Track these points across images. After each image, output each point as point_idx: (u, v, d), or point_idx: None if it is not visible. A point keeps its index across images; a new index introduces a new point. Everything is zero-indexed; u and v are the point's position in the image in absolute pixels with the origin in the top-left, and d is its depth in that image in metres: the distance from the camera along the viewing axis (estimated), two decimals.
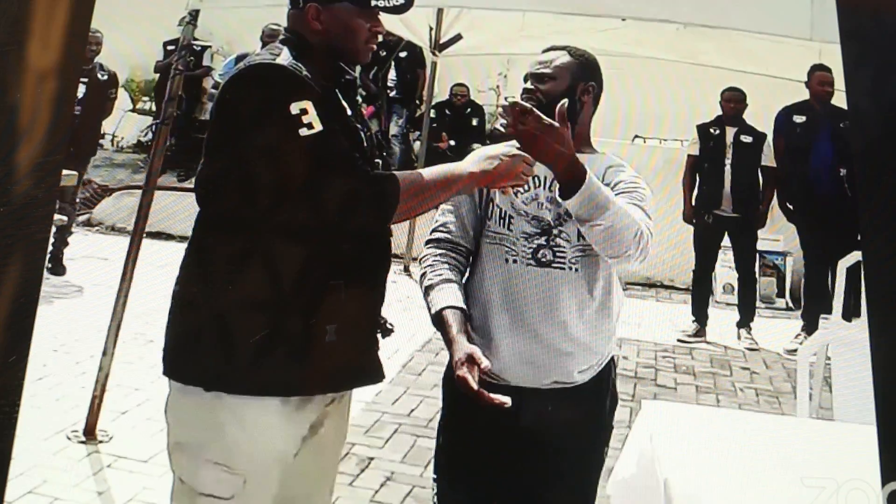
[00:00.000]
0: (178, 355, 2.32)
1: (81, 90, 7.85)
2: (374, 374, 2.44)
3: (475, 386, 2.37)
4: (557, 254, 2.58)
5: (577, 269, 2.59)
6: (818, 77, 7.34)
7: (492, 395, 2.35)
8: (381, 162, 2.45)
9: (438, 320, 2.57)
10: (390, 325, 2.49)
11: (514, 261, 2.60)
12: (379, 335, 2.47)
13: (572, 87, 2.66)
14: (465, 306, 2.59)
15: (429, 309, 2.61)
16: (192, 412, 2.29)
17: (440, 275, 2.63)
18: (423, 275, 2.66)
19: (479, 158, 2.36)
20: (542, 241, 2.59)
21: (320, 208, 2.19)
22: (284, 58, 2.27)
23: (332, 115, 2.24)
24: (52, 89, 1.27)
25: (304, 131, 2.14)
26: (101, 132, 12.56)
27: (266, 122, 2.19)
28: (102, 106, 8.29)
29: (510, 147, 2.38)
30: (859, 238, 1.47)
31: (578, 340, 2.58)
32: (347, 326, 2.29)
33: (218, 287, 2.26)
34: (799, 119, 7.51)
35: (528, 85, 2.64)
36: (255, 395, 2.24)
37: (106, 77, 8.17)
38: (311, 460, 2.41)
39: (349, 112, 2.35)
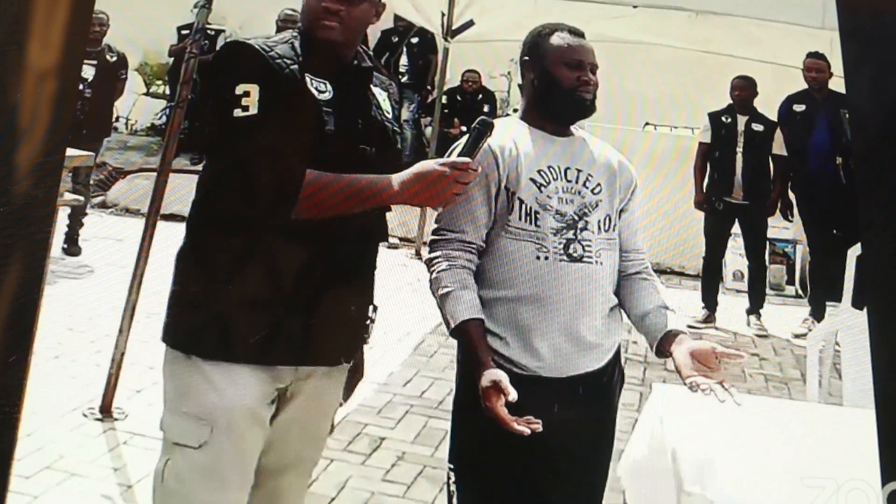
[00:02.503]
0: (167, 322, 2.42)
1: (91, 72, 7.89)
2: (338, 356, 2.49)
3: (508, 420, 2.33)
4: (586, 247, 2.55)
5: (601, 263, 2.58)
6: (806, 64, 7.36)
7: (523, 427, 2.32)
8: (372, 149, 2.43)
9: (461, 332, 2.49)
10: (371, 317, 2.53)
11: (546, 257, 2.53)
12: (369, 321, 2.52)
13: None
14: (483, 316, 2.52)
15: (445, 317, 2.52)
16: (174, 371, 2.39)
17: (456, 281, 2.52)
18: (437, 279, 2.54)
19: (413, 178, 2.32)
20: (571, 234, 2.55)
21: (234, 190, 2.26)
22: (273, 39, 2.34)
23: (287, 101, 2.26)
24: (51, 89, 1.27)
25: (237, 112, 2.19)
26: (116, 115, 12.62)
27: (212, 98, 2.28)
28: (113, 87, 8.32)
29: (444, 167, 2.31)
30: (860, 237, 1.49)
31: (604, 331, 2.59)
32: (313, 308, 2.35)
33: (194, 259, 2.38)
34: (798, 108, 7.52)
35: (589, 76, 2.62)
36: (222, 361, 2.32)
37: (115, 58, 8.19)
38: (287, 432, 2.48)
39: (326, 97, 2.35)
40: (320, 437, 2.65)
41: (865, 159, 1.44)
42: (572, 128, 2.72)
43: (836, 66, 7.23)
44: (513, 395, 2.34)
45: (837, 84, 7.25)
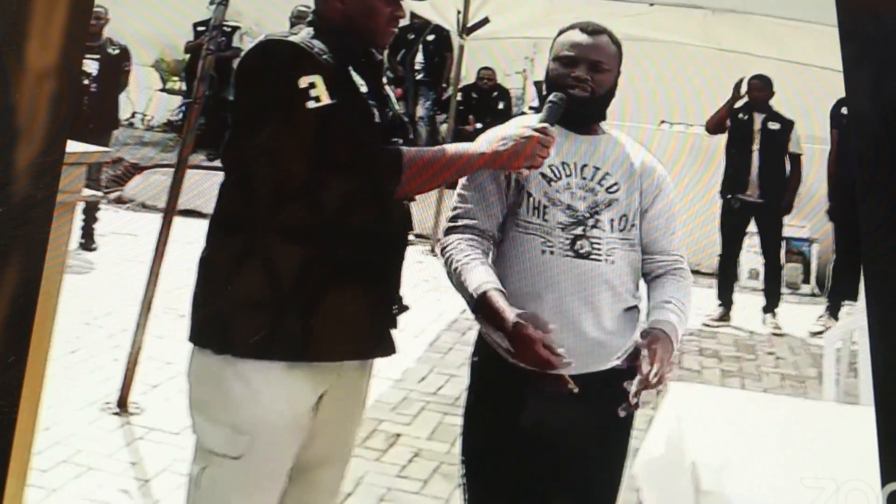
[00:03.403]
0: (195, 319, 2.37)
1: (95, 67, 7.91)
2: (382, 348, 2.45)
3: (549, 357, 2.27)
4: (595, 245, 2.52)
5: (613, 262, 2.54)
6: None
7: (561, 372, 2.30)
8: (400, 142, 2.44)
9: (485, 300, 2.41)
10: (406, 304, 2.49)
11: (552, 252, 2.51)
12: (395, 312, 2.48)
13: (615, 80, 2.65)
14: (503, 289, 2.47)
15: (467, 289, 2.45)
16: (206, 374, 2.34)
17: (470, 255, 2.50)
18: (450, 258, 2.52)
19: (491, 139, 2.35)
20: (580, 231, 2.52)
21: (326, 180, 2.22)
22: (301, 36, 2.32)
23: (342, 91, 2.25)
24: (49, 90, 1.27)
25: (311, 104, 2.17)
26: (132, 111, 12.67)
27: (275, 95, 2.23)
28: (117, 79, 8.33)
29: (524, 128, 2.35)
30: (860, 237, 1.49)
31: (614, 330, 2.55)
32: (352, 297, 2.32)
33: (233, 255, 2.30)
34: (845, 111, 7.50)
35: (580, 72, 2.57)
36: (259, 358, 2.28)
37: (117, 51, 8.21)
38: (323, 428, 2.45)
39: (364, 90, 2.36)
40: (355, 430, 2.65)
41: (865, 159, 1.44)
42: (605, 126, 2.71)
43: None
44: (552, 326, 2.31)
45: None
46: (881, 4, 1.38)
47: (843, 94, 7.41)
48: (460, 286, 2.49)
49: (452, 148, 2.36)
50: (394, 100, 2.54)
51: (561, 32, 2.67)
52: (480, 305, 2.42)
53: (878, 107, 1.39)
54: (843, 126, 7.49)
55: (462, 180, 2.61)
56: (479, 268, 2.47)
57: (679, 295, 2.61)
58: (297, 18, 7.88)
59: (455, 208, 2.63)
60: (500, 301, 2.39)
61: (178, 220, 4.74)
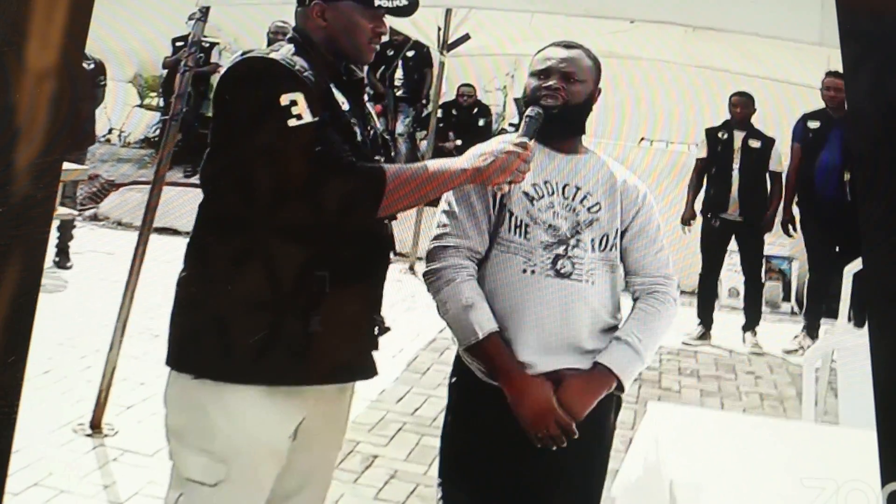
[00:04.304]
0: (173, 342, 2.34)
1: None
2: (364, 370, 2.43)
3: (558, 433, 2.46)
4: (576, 265, 2.52)
5: (593, 282, 2.54)
6: (825, 83, 7.37)
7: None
8: (382, 159, 2.44)
9: (489, 342, 2.47)
10: (387, 325, 2.47)
11: (532, 271, 2.51)
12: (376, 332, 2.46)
13: (592, 92, 2.65)
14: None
15: (470, 327, 2.47)
16: (183, 399, 2.31)
17: (478, 293, 2.50)
18: (457, 290, 2.50)
19: (474, 155, 2.35)
20: (561, 251, 2.52)
21: (308, 199, 2.19)
22: (283, 53, 2.29)
23: (324, 109, 2.24)
24: (49, 90, 1.26)
25: (293, 122, 2.16)
26: (109, 127, 12.60)
27: (257, 113, 2.21)
28: (93, 94, 8.29)
29: (505, 143, 2.36)
30: (860, 237, 1.47)
31: (593, 350, 2.55)
32: (335, 319, 2.28)
33: (212, 280, 2.28)
34: (813, 125, 7.52)
35: (553, 82, 2.58)
36: (238, 382, 2.25)
37: (92, 65, 8.15)
38: (302, 454, 2.42)
39: (346, 107, 2.35)
40: (334, 456, 2.63)
41: (865, 159, 1.42)
42: (588, 146, 2.71)
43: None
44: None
45: None
46: (881, 4, 1.36)
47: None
48: (460, 321, 2.51)
49: (434, 164, 2.35)
50: (375, 117, 2.54)
51: (539, 51, 2.68)
52: (485, 347, 2.48)
53: (878, 107, 1.37)
54: (807, 141, 7.49)
55: (446, 197, 2.60)
56: (486, 308, 2.50)
57: (639, 328, 2.59)
58: (274, 34, 7.87)
59: (443, 225, 2.61)
60: (506, 353, 2.48)
61: (154, 238, 4.69)
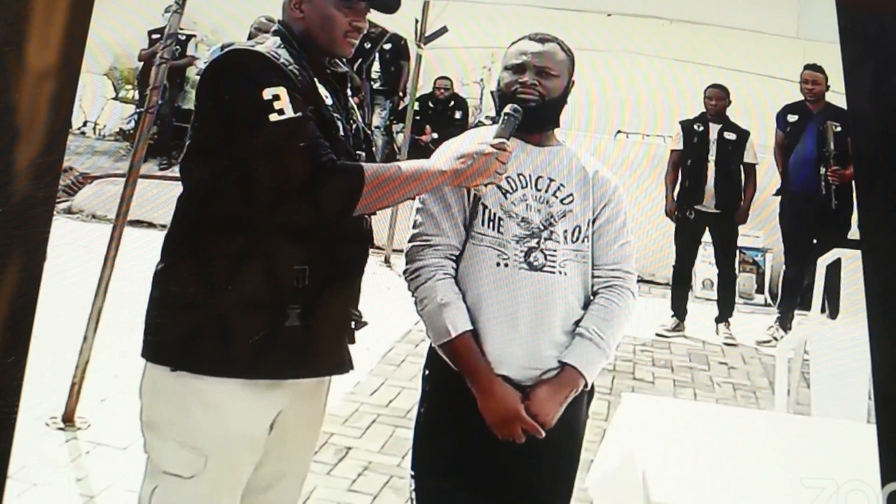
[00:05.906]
0: (150, 334, 2.33)
1: None
2: (341, 364, 2.44)
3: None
4: (549, 257, 2.54)
5: (565, 274, 2.55)
6: (803, 76, 7.42)
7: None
8: (363, 154, 2.44)
9: (461, 342, 2.49)
10: (364, 320, 2.48)
11: (506, 264, 2.52)
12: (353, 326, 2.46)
13: (567, 86, 2.66)
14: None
15: (443, 326, 2.50)
16: (159, 391, 2.30)
17: (454, 292, 2.52)
18: (433, 288, 2.52)
19: (450, 156, 2.35)
20: (534, 243, 2.54)
21: (285, 195, 2.20)
22: (267, 46, 2.29)
23: (307, 104, 2.24)
24: (49, 90, 1.26)
25: (274, 117, 2.16)
26: (84, 120, 12.50)
27: (239, 106, 2.21)
28: None
29: (482, 144, 2.36)
30: (859, 236, 1.48)
31: (566, 343, 2.56)
32: (314, 313, 2.29)
33: (189, 273, 2.27)
34: (792, 118, 7.57)
35: (528, 78, 2.59)
36: (216, 375, 2.25)
37: None
38: (279, 447, 2.42)
39: (329, 102, 2.35)
40: (311, 449, 2.63)
41: (865, 159, 1.44)
42: (560, 138, 2.72)
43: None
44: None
45: (838, 99, 7.29)
46: (881, 4, 1.37)
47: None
48: (435, 319, 2.52)
49: (412, 165, 2.34)
50: (357, 112, 2.53)
51: (512, 44, 2.67)
52: (457, 347, 2.50)
53: (878, 107, 1.39)
54: (788, 130, 7.54)
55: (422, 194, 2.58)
56: (461, 307, 2.51)
57: (600, 323, 2.59)
58: (257, 30, 7.80)
59: (420, 224, 2.61)
60: (478, 355, 2.50)
61: (128, 231, 4.67)
